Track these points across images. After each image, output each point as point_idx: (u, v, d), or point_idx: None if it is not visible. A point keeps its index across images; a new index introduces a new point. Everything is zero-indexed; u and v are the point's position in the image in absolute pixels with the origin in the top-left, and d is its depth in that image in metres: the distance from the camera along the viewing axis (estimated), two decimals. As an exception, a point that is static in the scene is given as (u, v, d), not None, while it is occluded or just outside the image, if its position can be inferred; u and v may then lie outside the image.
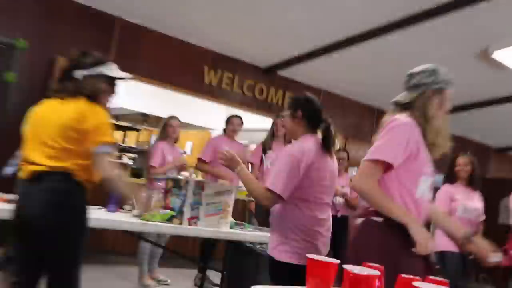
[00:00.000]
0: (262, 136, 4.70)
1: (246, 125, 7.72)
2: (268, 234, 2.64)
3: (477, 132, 8.24)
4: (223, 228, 2.92)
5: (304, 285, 1.19)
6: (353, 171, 6.69)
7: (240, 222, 3.40)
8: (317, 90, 6.57)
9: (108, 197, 2.84)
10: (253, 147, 6.85)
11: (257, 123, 7.56)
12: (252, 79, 6.04)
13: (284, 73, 6.22)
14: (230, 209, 2.99)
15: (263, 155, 4.38)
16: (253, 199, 4.37)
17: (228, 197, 2.94)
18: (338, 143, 2.97)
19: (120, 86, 2.16)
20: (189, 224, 2.62)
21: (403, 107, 1.87)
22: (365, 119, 7.16)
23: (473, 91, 6.06)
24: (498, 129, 7.91)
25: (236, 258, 3.48)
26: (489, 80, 5.56)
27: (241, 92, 5.98)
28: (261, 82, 6.12)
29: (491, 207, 8.30)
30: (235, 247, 3.40)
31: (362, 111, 7.14)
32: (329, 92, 6.70)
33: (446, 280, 1.33)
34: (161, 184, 3.20)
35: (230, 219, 3.08)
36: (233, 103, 6.00)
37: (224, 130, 4.70)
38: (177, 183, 2.76)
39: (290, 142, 3.55)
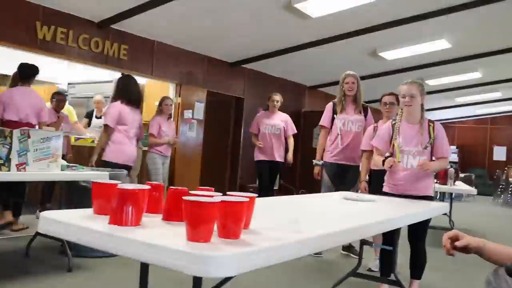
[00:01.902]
0: (107, 88, 5.74)
1: (92, 78, 8.18)
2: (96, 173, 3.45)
3: (293, 73, 9.68)
4: (53, 171, 3.58)
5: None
6: (188, 113, 7.64)
7: (73, 164, 4.10)
8: (150, 41, 7.22)
9: None
10: (100, 98, 7.41)
11: (100, 76, 8.08)
12: (87, 33, 6.44)
13: (118, 26, 6.71)
14: (59, 153, 3.64)
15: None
16: None
17: (56, 142, 3.58)
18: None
19: None
20: (18, 170, 3.18)
21: None
22: (197, 67, 8.02)
23: (285, 38, 7.25)
24: (309, 70, 9.40)
25: (72, 196, 4.17)
26: (296, 27, 6.72)
27: (77, 46, 6.36)
28: (96, 36, 6.54)
29: (307, 133, 10.02)
30: (71, 187, 4.11)
31: (194, 59, 7.97)
32: (162, 43, 7.37)
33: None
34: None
35: (61, 162, 3.77)
36: (70, 57, 6.39)
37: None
38: (1, 133, 3.16)
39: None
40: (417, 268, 3.34)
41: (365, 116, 4.76)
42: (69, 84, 8.71)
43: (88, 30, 6.43)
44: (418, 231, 3.28)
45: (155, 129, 5.89)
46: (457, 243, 1.47)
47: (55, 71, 8.16)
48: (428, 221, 3.24)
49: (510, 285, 1.62)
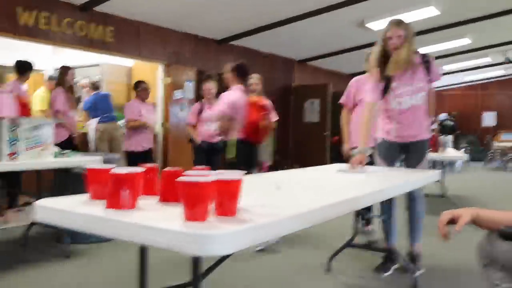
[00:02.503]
0: (94, 72, 5.66)
1: (79, 62, 8.06)
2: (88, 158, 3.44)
3: (282, 48, 9.61)
4: (46, 159, 3.57)
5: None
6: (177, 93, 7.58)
7: (65, 151, 4.08)
8: (136, 22, 7.11)
9: None
10: (85, 81, 7.32)
11: (88, 60, 7.96)
12: (70, 17, 6.33)
13: (102, 8, 6.59)
14: (51, 140, 3.63)
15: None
16: None
17: (48, 130, 3.57)
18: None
19: None
20: (10, 160, 3.17)
21: None
22: (185, 46, 7.94)
23: (271, 12, 7.17)
24: (297, 44, 9.32)
25: (66, 183, 4.16)
26: (283, 1, 6.64)
27: (61, 31, 6.26)
28: (80, 19, 6.44)
29: (298, 108, 10.01)
30: (63, 174, 4.09)
31: (181, 38, 7.87)
32: (148, 23, 7.27)
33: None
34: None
35: (53, 149, 3.75)
36: (55, 42, 6.30)
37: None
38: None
39: None
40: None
41: None
42: (55, 69, 8.59)
43: (71, 13, 6.32)
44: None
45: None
46: (456, 229, 1.49)
47: (40, 57, 8.02)
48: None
49: (502, 248, 1.65)
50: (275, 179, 2.50)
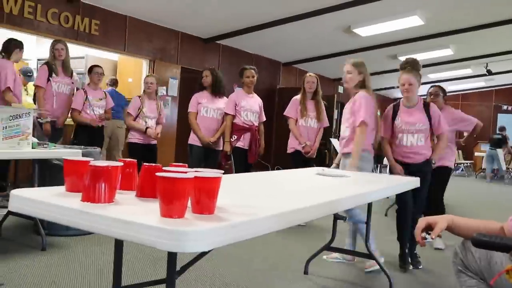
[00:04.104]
0: (78, 64, 5.44)
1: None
2: (68, 150, 3.40)
3: (268, 50, 9.64)
4: (24, 149, 3.52)
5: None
6: (162, 90, 7.54)
7: (44, 142, 4.03)
8: (123, 16, 7.06)
9: None
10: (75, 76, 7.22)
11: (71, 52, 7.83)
12: (56, 8, 6.26)
13: (89, 0, 6.54)
14: (30, 130, 3.57)
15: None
16: None
17: (27, 120, 3.51)
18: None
19: None
20: None
21: None
22: (170, 43, 7.90)
23: (259, 14, 7.18)
24: (284, 47, 9.36)
25: (44, 174, 4.11)
26: (271, 3, 6.68)
27: (46, 21, 6.19)
28: (65, 10, 6.37)
29: (282, 110, 10.01)
30: (43, 164, 4.04)
31: (168, 35, 7.84)
32: (135, 18, 7.22)
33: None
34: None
35: (32, 139, 3.70)
36: (39, 32, 6.22)
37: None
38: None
39: None
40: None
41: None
42: (38, 60, 8.47)
43: (57, 4, 6.26)
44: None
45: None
46: (432, 237, 1.56)
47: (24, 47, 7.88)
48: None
49: (475, 255, 1.69)
50: (256, 180, 2.51)
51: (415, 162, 3.59)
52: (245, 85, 5.15)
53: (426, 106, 3.67)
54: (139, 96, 5.53)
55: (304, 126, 4.97)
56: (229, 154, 5.00)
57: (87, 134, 5.40)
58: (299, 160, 4.85)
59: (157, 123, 5.56)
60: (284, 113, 5.06)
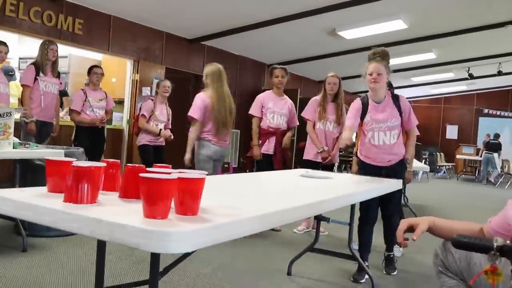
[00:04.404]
0: (61, 64, 5.36)
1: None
2: (50, 150, 3.35)
3: (253, 51, 9.65)
4: (5, 149, 3.47)
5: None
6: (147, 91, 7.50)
7: (26, 142, 3.97)
8: (107, 16, 7.00)
9: None
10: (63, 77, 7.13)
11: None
12: (39, 6, 6.17)
13: (72, -1, 6.47)
14: (11, 130, 3.52)
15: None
16: None
17: (9, 120, 3.46)
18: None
19: None
20: None
21: None
22: (155, 43, 7.86)
23: (244, 15, 7.19)
24: (269, 48, 9.39)
25: (25, 175, 4.06)
26: (256, 4, 6.68)
27: (29, 19, 6.10)
28: (48, 9, 6.29)
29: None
30: (25, 165, 3.99)
31: (152, 35, 7.80)
32: (119, 17, 7.16)
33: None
34: None
35: (13, 139, 3.64)
36: (22, 31, 6.12)
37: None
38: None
39: None
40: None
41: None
42: (20, 59, 8.36)
43: (40, 2, 6.18)
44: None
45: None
46: (414, 238, 1.56)
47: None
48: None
49: (455, 256, 1.72)
50: (240, 181, 2.52)
51: (390, 165, 3.42)
52: (274, 86, 4.78)
53: (395, 99, 3.42)
54: (152, 99, 5.59)
55: (321, 130, 4.57)
56: (259, 160, 4.64)
57: (88, 136, 5.37)
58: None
59: (165, 128, 5.63)
60: (301, 114, 4.67)
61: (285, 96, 4.85)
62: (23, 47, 8.11)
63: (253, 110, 4.76)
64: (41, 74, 5.07)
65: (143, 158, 5.45)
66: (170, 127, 5.76)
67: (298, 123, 5.01)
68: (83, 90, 5.49)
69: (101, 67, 5.71)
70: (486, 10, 7.35)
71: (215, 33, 8.05)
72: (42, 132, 5.18)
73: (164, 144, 5.62)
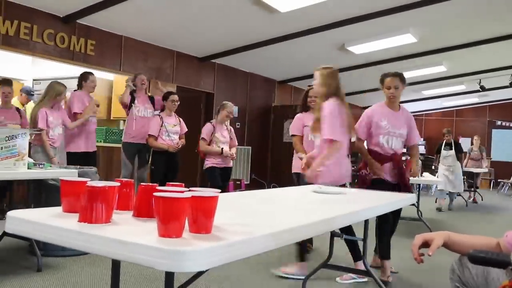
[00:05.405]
0: (73, 84, 5.46)
1: (58, 74, 8.00)
2: (64, 170, 3.39)
3: (263, 68, 9.71)
4: (20, 169, 3.51)
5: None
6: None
7: (40, 162, 4.03)
8: (118, 36, 7.11)
9: None
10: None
11: (67, 72, 7.91)
12: (52, 28, 6.29)
13: (85, 20, 6.58)
14: (26, 151, 3.58)
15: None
16: None
17: (23, 141, 3.51)
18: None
19: None
20: None
21: None
22: (166, 62, 7.95)
23: (254, 32, 7.26)
24: (278, 65, 9.44)
25: (40, 195, 4.10)
26: (265, 22, 6.73)
27: (42, 41, 6.22)
28: (61, 31, 6.41)
29: (277, 128, 10.07)
30: (39, 185, 4.03)
31: (163, 54, 7.89)
32: (130, 38, 7.27)
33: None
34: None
35: (28, 160, 3.69)
36: (35, 53, 6.23)
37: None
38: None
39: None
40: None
41: None
42: (34, 80, 8.51)
43: (53, 25, 6.29)
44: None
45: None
46: (429, 253, 1.53)
47: (19, 67, 7.97)
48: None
49: (472, 272, 1.69)
50: (252, 198, 2.51)
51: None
52: (386, 97, 3.89)
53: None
54: (211, 122, 5.66)
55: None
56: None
57: (164, 160, 5.58)
58: None
59: (230, 146, 5.68)
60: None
61: (404, 108, 3.99)
62: (37, 68, 8.26)
63: (359, 132, 3.90)
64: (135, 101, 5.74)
65: (211, 182, 5.40)
66: (235, 143, 5.84)
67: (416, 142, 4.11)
68: (159, 115, 5.66)
69: (176, 93, 5.87)
70: (496, 21, 7.33)
71: (225, 51, 8.12)
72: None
73: (232, 165, 5.68)
